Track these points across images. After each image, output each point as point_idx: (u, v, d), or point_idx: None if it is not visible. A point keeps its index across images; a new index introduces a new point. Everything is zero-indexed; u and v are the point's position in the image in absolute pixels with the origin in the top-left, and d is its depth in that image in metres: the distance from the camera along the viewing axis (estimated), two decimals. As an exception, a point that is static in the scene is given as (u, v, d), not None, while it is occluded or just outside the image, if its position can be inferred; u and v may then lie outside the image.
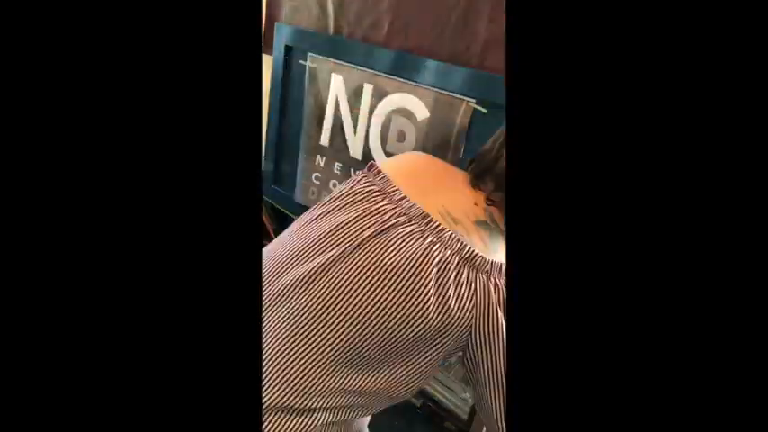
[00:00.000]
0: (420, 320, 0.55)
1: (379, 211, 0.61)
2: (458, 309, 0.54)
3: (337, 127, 1.15)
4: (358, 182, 0.65)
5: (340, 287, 0.57)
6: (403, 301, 0.55)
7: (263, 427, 0.54)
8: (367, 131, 1.10)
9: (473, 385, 0.61)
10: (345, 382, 0.56)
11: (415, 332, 0.55)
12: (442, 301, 0.54)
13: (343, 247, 0.59)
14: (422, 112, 0.99)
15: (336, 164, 1.20)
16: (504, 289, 0.56)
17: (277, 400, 0.54)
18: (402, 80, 1.01)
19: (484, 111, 0.90)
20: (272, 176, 1.38)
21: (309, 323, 0.57)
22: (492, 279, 0.56)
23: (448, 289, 0.55)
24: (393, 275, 0.56)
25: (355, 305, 0.56)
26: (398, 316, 0.55)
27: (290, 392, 0.55)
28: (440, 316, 0.55)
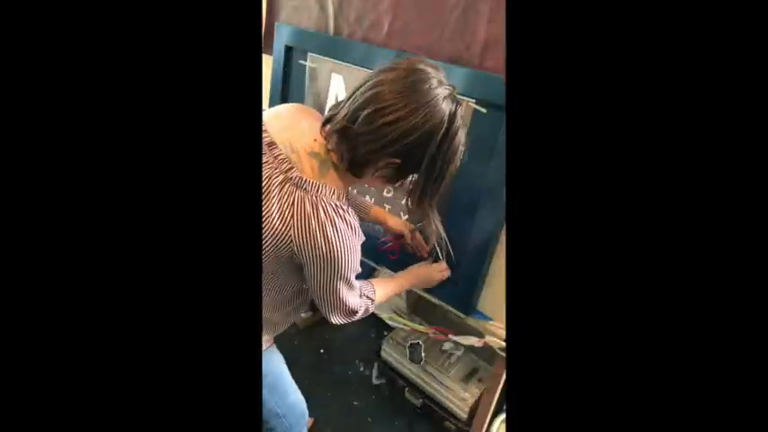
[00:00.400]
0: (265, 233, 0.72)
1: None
2: (279, 219, 0.70)
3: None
4: None
5: None
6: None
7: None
8: (367, 131, 1.10)
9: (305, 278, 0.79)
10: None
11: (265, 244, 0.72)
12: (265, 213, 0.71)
13: None
14: (422, 112, 0.99)
15: (336, 164, 1.20)
16: (323, 204, 0.71)
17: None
18: (402, 80, 1.01)
19: (484, 111, 0.90)
20: (272, 176, 1.37)
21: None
22: (310, 195, 0.71)
23: (271, 202, 0.71)
24: None
25: None
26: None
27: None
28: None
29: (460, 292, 1.02)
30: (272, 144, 0.75)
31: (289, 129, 0.77)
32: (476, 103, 0.91)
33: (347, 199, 0.78)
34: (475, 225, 0.96)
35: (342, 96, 1.11)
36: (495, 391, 1.14)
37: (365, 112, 0.67)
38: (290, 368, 1.03)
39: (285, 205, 0.71)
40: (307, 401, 1.06)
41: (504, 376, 1.13)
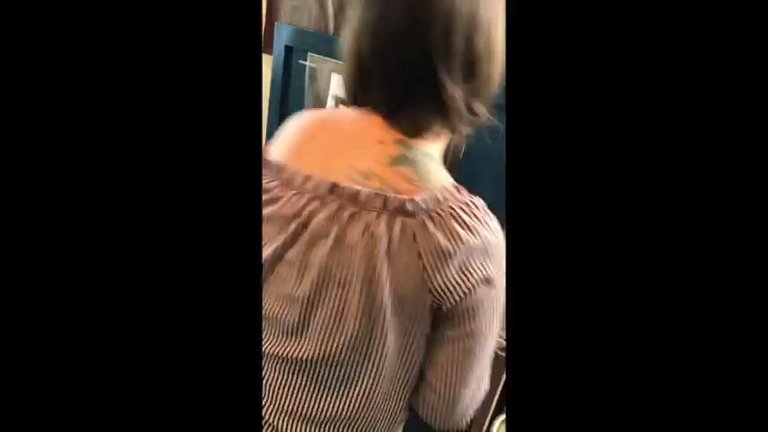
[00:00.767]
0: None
1: (294, 215, 0.53)
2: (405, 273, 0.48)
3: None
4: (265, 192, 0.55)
5: None
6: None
7: None
8: (367, 131, 1.10)
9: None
10: None
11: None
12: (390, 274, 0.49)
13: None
14: (422, 112, 0.99)
15: (336, 164, 1.20)
16: (455, 212, 0.49)
17: None
18: (402, 80, 1.01)
19: (484, 111, 0.90)
20: (272, 176, 1.37)
21: None
22: (430, 214, 0.48)
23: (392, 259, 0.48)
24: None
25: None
26: None
27: None
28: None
29: (460, 292, 1.02)
30: (334, 187, 0.51)
31: (333, 153, 0.54)
32: (476, 103, 0.91)
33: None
34: (475, 225, 0.96)
35: (342, 96, 1.12)
36: (495, 391, 1.14)
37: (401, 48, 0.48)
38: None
39: (403, 248, 0.48)
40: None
41: (504, 376, 1.13)
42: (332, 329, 0.52)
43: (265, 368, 0.57)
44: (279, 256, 0.54)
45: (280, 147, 0.58)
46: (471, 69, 0.51)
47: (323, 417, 0.55)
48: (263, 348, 0.57)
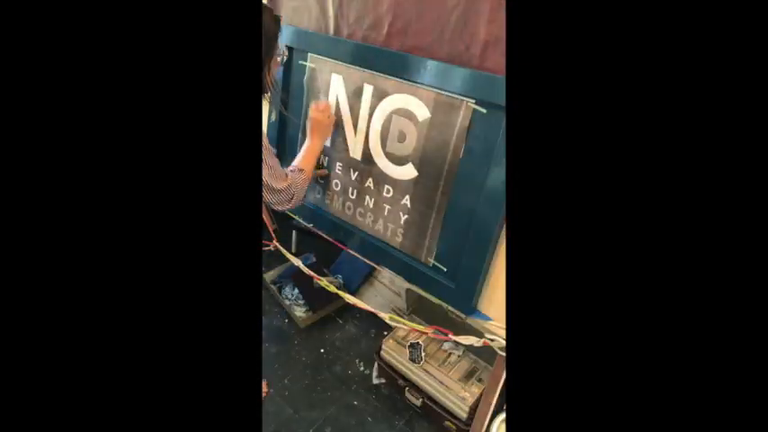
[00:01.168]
0: None
1: None
2: None
3: (338, 127, 1.16)
4: None
5: None
6: None
7: None
8: (367, 132, 1.10)
9: None
10: None
11: None
12: None
13: None
14: (422, 112, 0.99)
15: (337, 164, 1.20)
16: None
17: None
18: (402, 80, 1.01)
19: (484, 111, 0.90)
20: (272, 176, 1.37)
21: None
22: None
23: None
24: None
25: None
26: None
27: None
28: None
29: (460, 292, 1.02)
30: None
31: None
32: (476, 104, 0.91)
33: None
34: (475, 225, 0.96)
35: (342, 96, 1.12)
36: (495, 391, 1.14)
37: None
38: (290, 368, 1.03)
39: None
40: (307, 401, 1.06)
41: (503, 376, 1.13)
42: None
43: None
44: None
45: None
46: None
47: None
48: None
